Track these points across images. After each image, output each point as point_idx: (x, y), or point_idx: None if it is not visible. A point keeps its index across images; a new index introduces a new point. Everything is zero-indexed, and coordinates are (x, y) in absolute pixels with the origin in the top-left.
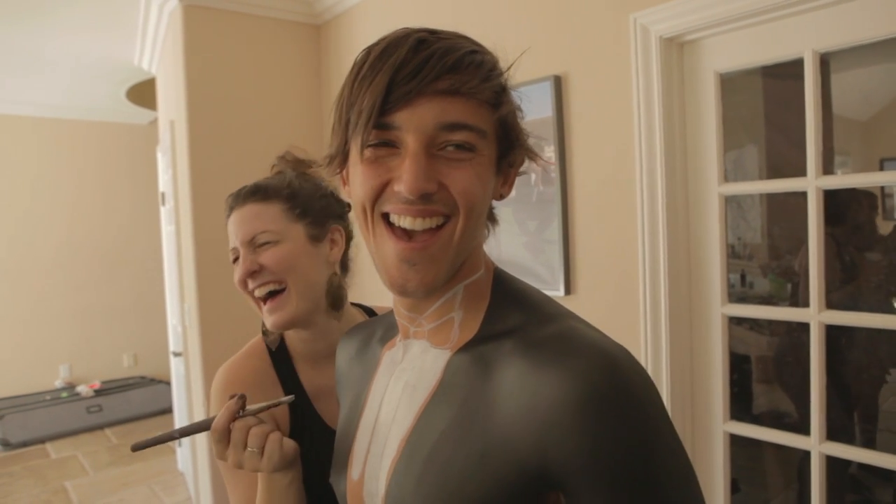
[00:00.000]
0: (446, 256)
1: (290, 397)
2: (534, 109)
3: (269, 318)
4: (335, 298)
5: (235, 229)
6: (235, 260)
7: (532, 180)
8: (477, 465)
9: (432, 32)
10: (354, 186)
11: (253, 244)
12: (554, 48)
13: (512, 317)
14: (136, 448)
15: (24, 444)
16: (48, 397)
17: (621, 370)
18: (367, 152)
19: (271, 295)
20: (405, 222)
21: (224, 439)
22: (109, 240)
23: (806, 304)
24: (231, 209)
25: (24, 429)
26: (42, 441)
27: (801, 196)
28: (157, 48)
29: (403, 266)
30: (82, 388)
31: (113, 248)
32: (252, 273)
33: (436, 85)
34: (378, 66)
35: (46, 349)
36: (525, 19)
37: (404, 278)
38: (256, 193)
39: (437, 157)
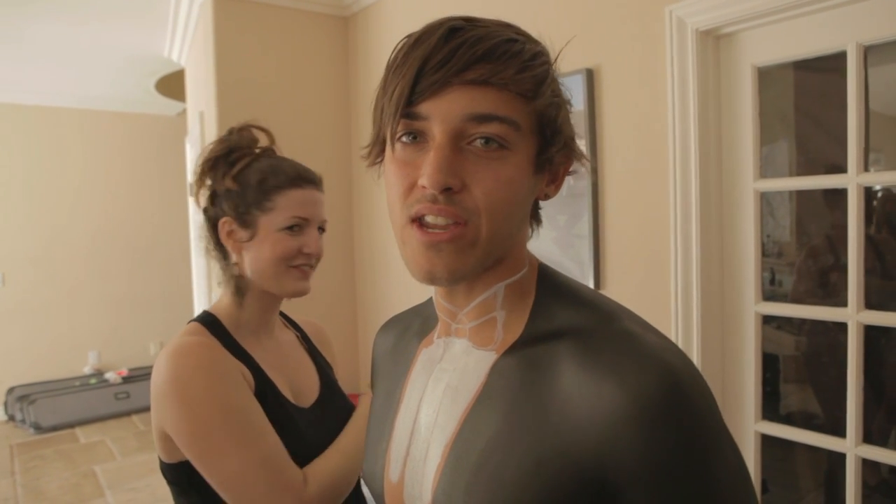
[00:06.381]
0: (473, 251)
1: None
2: None
3: (301, 283)
4: None
5: (314, 208)
6: (292, 227)
7: None
8: (532, 474)
9: (470, 20)
10: (387, 185)
11: (318, 228)
12: (587, 41)
13: (560, 316)
14: None
15: (55, 429)
16: (77, 383)
17: (681, 383)
18: (399, 149)
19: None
20: (428, 219)
21: None
22: (138, 230)
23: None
24: (301, 183)
25: (54, 413)
26: (72, 426)
27: (836, 193)
28: (186, 40)
29: (430, 252)
30: (110, 375)
31: (142, 238)
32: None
33: (465, 75)
34: (409, 55)
35: (76, 336)
36: (557, 11)
37: (431, 263)
38: (321, 184)
39: (464, 153)
